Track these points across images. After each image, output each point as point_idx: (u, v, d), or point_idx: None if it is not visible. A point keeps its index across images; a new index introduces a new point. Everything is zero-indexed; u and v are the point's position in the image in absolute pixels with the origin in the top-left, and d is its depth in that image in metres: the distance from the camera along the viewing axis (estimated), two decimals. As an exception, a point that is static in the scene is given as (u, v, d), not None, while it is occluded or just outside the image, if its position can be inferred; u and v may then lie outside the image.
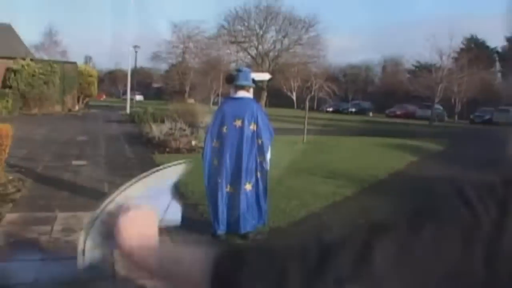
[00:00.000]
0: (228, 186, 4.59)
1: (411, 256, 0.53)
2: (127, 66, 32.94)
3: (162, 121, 14.25)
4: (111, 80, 64.28)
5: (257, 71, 33.92)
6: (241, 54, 53.14)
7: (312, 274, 0.55)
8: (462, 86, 38.88)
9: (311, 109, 27.45)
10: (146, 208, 0.78)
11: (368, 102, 52.70)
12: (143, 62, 70.56)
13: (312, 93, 39.54)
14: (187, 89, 50.00)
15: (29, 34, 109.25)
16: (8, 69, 24.40)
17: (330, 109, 49.56)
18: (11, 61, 24.53)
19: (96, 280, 3.41)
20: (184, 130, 12.54)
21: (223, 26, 52.38)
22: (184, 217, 0.90)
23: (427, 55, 38.90)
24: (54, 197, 6.26)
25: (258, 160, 4.61)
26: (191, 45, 54.09)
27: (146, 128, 14.07)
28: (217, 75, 43.40)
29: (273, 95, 49.89)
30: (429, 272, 0.53)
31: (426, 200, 0.58)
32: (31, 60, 26.09)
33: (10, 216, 5.23)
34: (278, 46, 52.43)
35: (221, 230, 4.68)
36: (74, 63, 30.19)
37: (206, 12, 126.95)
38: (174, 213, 0.87)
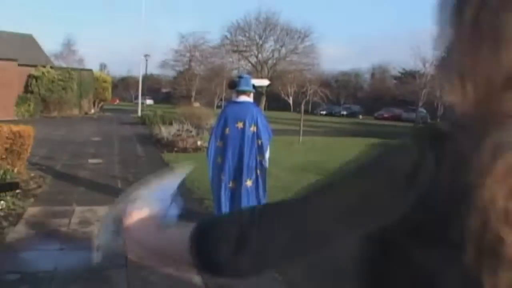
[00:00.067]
0: (231, 182, 4.59)
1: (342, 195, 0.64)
2: (139, 73, 33.10)
3: (170, 123, 14.26)
4: (124, 85, 64.16)
5: (257, 77, 33.88)
6: (242, 62, 53.29)
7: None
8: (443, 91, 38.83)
9: (306, 112, 27.39)
10: (148, 209, 0.80)
11: (358, 106, 52.61)
12: (153, 69, 70.92)
13: (307, 97, 39.45)
14: (193, 93, 50.01)
15: (49, 44, 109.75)
16: (30, 76, 24.38)
17: (324, 112, 49.43)
18: (32, 69, 24.51)
19: (110, 268, 3.42)
20: (191, 131, 12.53)
21: (226, 37, 52.62)
22: (189, 211, 0.91)
23: (412, 63, 39.04)
24: (72, 192, 6.26)
25: (258, 159, 4.60)
26: (197, 54, 54.08)
27: (156, 130, 14.05)
28: (220, 81, 43.54)
29: (272, 99, 49.85)
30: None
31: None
32: (51, 67, 26.05)
33: (32, 210, 5.24)
34: (276, 54, 52.61)
35: (224, 222, 4.66)
36: (90, 70, 30.14)
37: (211, 24, 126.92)
38: (173, 214, 0.87)
